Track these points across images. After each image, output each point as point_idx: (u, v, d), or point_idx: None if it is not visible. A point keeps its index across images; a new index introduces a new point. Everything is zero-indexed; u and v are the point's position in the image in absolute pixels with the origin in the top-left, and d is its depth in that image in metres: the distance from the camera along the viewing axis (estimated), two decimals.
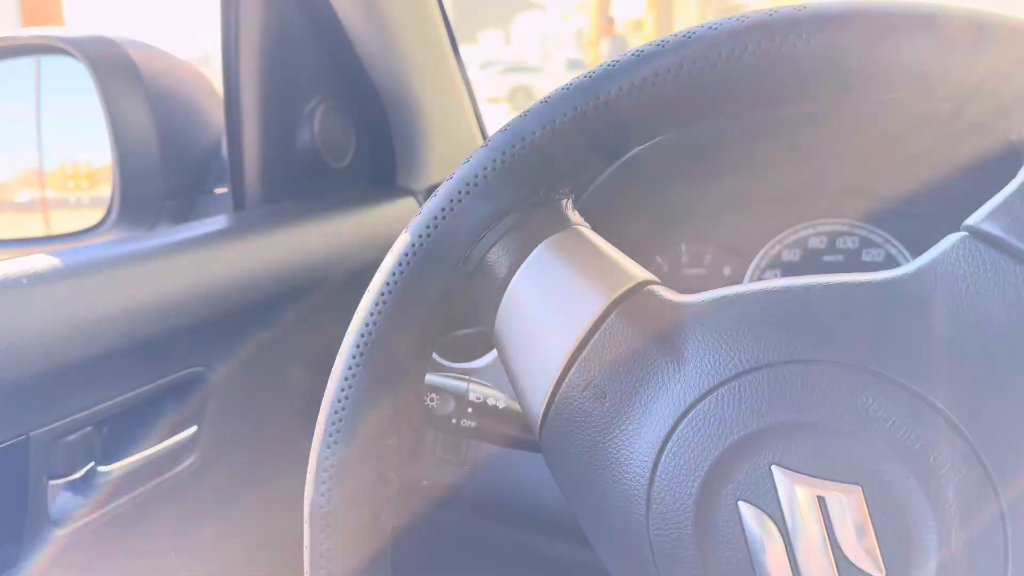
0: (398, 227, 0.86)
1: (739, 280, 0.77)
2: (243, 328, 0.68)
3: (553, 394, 0.40)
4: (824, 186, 0.76)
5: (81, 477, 0.57)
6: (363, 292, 0.84)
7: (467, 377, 0.52)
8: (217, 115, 0.84)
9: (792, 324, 0.36)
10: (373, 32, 0.80)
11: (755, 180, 0.77)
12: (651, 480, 0.37)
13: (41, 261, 0.57)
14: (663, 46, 0.39)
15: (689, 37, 0.39)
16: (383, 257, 0.86)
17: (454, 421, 0.51)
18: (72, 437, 0.56)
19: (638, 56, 0.39)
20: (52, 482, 0.56)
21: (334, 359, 0.81)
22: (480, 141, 1.00)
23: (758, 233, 0.77)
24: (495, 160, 0.40)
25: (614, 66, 0.40)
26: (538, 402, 0.41)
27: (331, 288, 0.77)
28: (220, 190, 0.83)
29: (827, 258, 0.76)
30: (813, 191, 0.77)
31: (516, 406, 0.52)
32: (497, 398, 0.52)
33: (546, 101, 0.41)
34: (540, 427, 0.41)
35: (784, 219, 0.77)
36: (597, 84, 0.39)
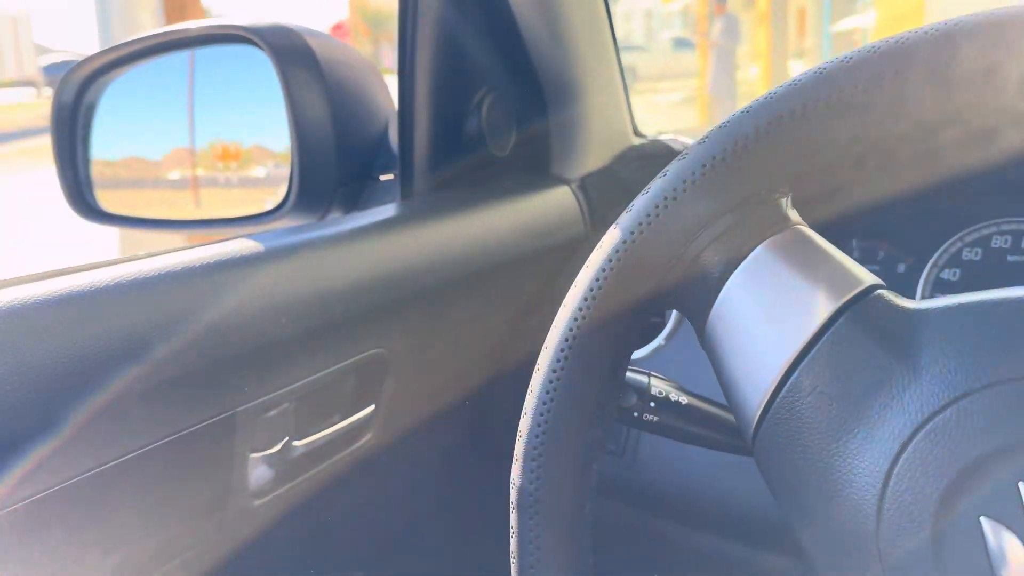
0: (553, 216, 0.88)
1: (914, 278, 0.75)
2: (416, 312, 0.70)
3: (772, 398, 0.39)
4: (1009, 183, 0.73)
5: (278, 451, 0.61)
6: (524, 280, 0.85)
7: (647, 371, 0.52)
8: (385, 103, 0.87)
9: None
10: (543, 21, 0.80)
11: (934, 174, 0.73)
12: (883, 491, 0.36)
13: (244, 245, 0.60)
14: (902, 42, 0.38)
15: (929, 32, 0.38)
16: (541, 245, 0.87)
17: (636, 414, 0.51)
18: (272, 413, 0.59)
19: (874, 51, 0.39)
20: (253, 455, 0.59)
21: (499, 343, 0.83)
22: (631, 130, 1.00)
23: (936, 230, 0.74)
24: (714, 157, 0.40)
25: (848, 60, 0.39)
26: (754, 405, 0.40)
27: (495, 275, 0.78)
28: (385, 177, 0.86)
29: (1011, 258, 0.72)
30: (997, 188, 0.73)
31: (699, 403, 0.52)
32: (679, 394, 0.52)
33: (771, 95, 0.40)
34: (754, 431, 0.41)
35: (965, 216, 0.74)
36: (829, 81, 0.39)
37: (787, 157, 0.40)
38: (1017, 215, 0.73)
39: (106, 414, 0.49)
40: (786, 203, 0.42)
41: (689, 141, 0.94)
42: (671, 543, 0.77)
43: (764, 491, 0.71)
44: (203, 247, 0.58)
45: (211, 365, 0.54)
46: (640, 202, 0.42)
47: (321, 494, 0.67)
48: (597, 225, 0.91)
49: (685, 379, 0.53)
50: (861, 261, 0.77)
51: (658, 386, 0.52)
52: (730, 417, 0.52)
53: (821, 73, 0.39)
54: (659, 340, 0.80)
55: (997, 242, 0.73)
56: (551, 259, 0.86)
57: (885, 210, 0.76)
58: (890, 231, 0.76)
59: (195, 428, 0.54)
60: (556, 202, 0.88)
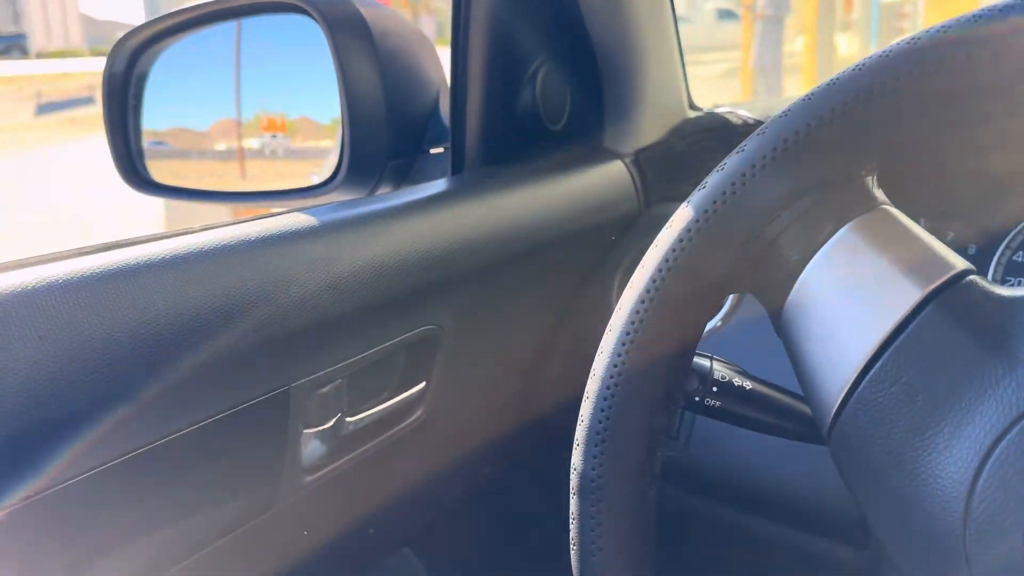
0: (606, 191, 0.86)
1: (985, 261, 0.71)
2: (468, 289, 0.69)
3: (852, 389, 0.38)
4: None
5: (330, 427, 0.60)
6: (576, 257, 0.83)
7: (709, 355, 0.51)
8: (436, 75, 0.85)
9: None
10: None
11: (1012, 151, 0.70)
12: (971, 490, 0.34)
13: (298, 219, 0.59)
14: (1008, 8, 0.35)
15: None
16: (593, 222, 0.85)
17: (697, 399, 0.50)
18: (325, 389, 0.59)
19: (972, 20, 0.36)
20: (306, 431, 0.59)
21: (550, 320, 0.82)
22: (686, 103, 0.97)
23: (1008, 211, 0.71)
24: (797, 132, 0.38)
25: (945, 30, 0.37)
26: (833, 395, 0.39)
27: (546, 252, 0.77)
28: (435, 150, 0.85)
29: None
30: None
31: (763, 389, 0.50)
32: (742, 379, 0.50)
33: (860, 67, 0.38)
34: (831, 422, 0.39)
35: None
36: (923, 52, 0.36)
37: (875, 133, 0.38)
38: None
39: (163, 389, 0.48)
40: (872, 182, 0.40)
41: (747, 114, 0.91)
42: (724, 527, 0.76)
43: (821, 477, 0.69)
44: (256, 221, 0.57)
45: (265, 340, 0.53)
46: (714, 179, 0.40)
47: (372, 470, 0.67)
48: (651, 201, 0.89)
49: (741, 363, 0.51)
50: None
51: (721, 370, 0.50)
52: (796, 404, 0.50)
53: (915, 43, 0.37)
54: (714, 321, 0.77)
55: None
56: (603, 236, 0.85)
57: (956, 188, 0.73)
58: (961, 211, 0.73)
59: (250, 404, 0.54)
60: (609, 177, 0.86)
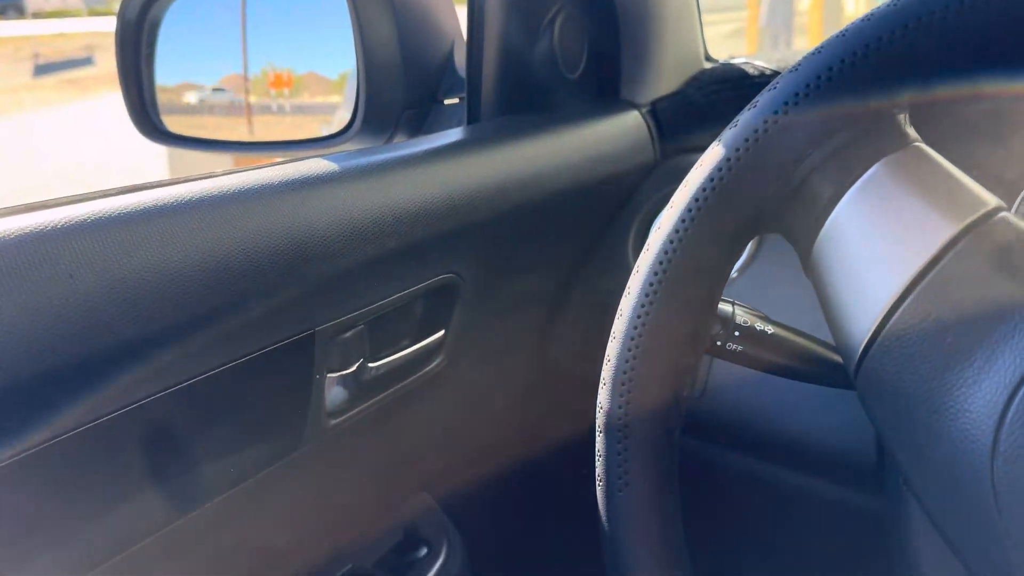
0: (622, 141, 0.85)
1: (1008, 200, 0.71)
2: (487, 238, 0.69)
3: (881, 326, 0.38)
4: None
5: (353, 372, 0.61)
6: (592, 207, 0.83)
7: (731, 300, 0.51)
8: (451, 26, 0.84)
9: None
10: None
11: None
12: (1000, 422, 0.35)
13: (319, 165, 0.59)
14: None
15: None
16: (609, 172, 0.85)
17: (719, 343, 0.50)
18: (348, 334, 0.59)
19: None
20: (330, 375, 0.59)
21: (567, 268, 0.82)
22: (702, 54, 0.96)
23: None
24: (830, 68, 0.38)
25: None
26: (862, 332, 0.39)
27: (563, 202, 0.77)
28: (449, 101, 0.84)
29: None
30: None
31: (785, 333, 0.50)
32: (764, 324, 0.51)
33: (895, 3, 0.38)
34: (859, 360, 0.39)
35: None
36: None
37: (909, 69, 0.38)
38: None
39: (190, 329, 0.49)
40: (904, 119, 0.40)
41: (763, 64, 0.90)
42: (739, 474, 0.77)
43: (837, 424, 0.70)
44: (278, 166, 0.57)
45: (290, 283, 0.54)
46: (746, 117, 0.40)
47: (393, 416, 0.67)
48: (667, 151, 0.88)
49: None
50: None
51: (743, 315, 0.50)
52: (818, 348, 0.50)
53: None
54: (732, 272, 0.78)
55: None
56: (619, 186, 0.84)
57: (979, 134, 0.72)
58: (981, 158, 0.72)
59: (276, 345, 0.54)
60: (625, 127, 0.86)
